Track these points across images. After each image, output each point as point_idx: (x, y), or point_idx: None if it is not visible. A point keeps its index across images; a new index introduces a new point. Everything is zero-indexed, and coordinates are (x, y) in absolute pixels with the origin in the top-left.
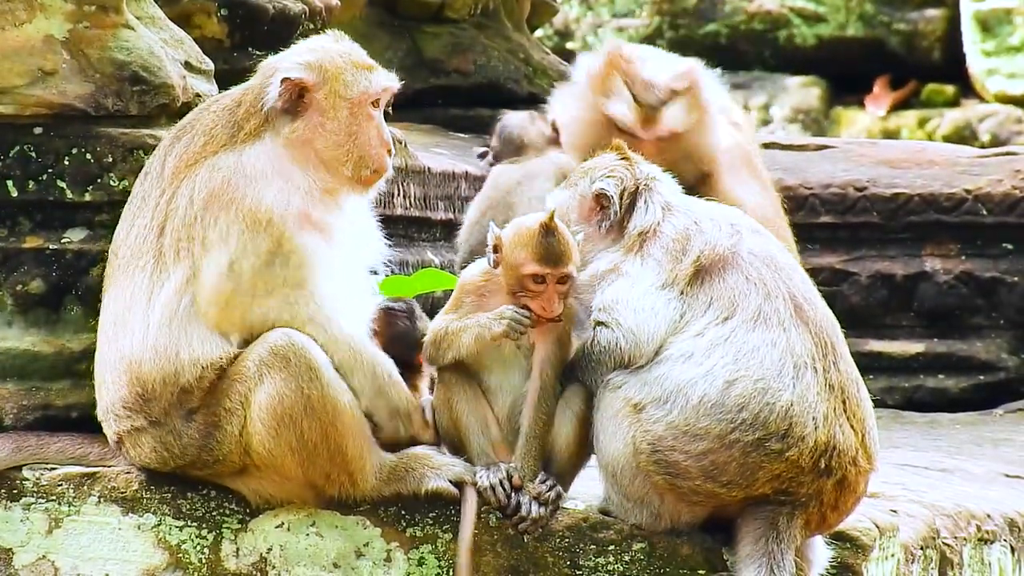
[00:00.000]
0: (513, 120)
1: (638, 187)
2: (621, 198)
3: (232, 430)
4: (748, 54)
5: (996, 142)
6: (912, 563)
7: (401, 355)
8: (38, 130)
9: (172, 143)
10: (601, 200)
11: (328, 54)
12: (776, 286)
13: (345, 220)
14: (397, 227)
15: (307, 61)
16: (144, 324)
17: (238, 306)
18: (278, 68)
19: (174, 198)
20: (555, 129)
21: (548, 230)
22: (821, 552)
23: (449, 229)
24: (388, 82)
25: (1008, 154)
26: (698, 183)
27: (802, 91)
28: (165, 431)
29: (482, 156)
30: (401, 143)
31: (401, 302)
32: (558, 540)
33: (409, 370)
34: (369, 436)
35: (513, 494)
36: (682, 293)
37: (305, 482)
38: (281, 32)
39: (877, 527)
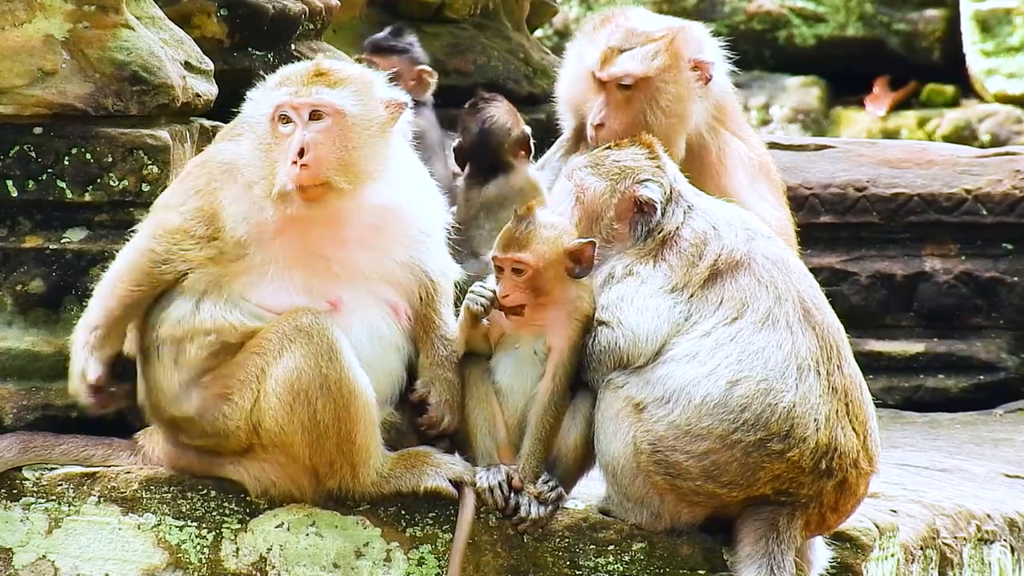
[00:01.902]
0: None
1: (671, 191)
2: (664, 207)
3: (244, 404)
4: (748, 54)
5: (996, 142)
6: (912, 563)
7: None
8: (38, 130)
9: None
10: (644, 206)
11: (274, 76)
12: (787, 289)
13: (331, 240)
14: None
15: (262, 85)
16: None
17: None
18: None
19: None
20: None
21: (520, 217)
22: (821, 552)
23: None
24: (279, 99)
25: (1008, 154)
26: (705, 183)
27: (802, 91)
28: (155, 369)
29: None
30: None
31: None
32: (558, 540)
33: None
34: (377, 429)
35: (512, 495)
36: (692, 296)
37: (309, 468)
38: (281, 32)
39: (877, 527)
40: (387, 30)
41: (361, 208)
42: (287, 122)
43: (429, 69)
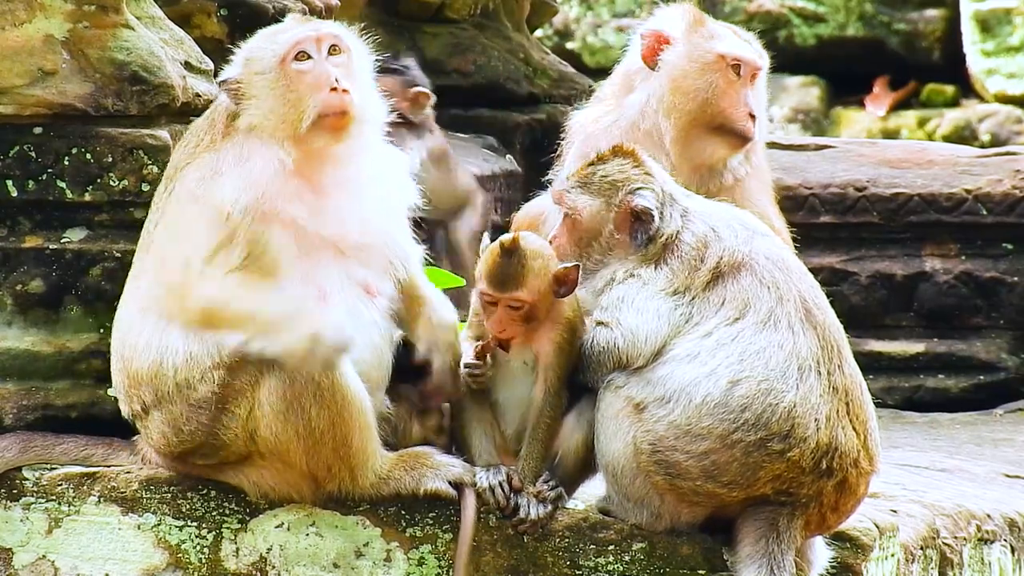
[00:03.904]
0: None
1: (663, 195)
2: (660, 211)
3: (240, 413)
4: None
5: (996, 142)
6: (912, 563)
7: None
8: (38, 130)
9: (176, 147)
10: (641, 215)
11: (255, 39)
12: (788, 289)
13: (331, 196)
14: None
15: (239, 57)
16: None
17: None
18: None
19: (172, 195)
20: None
21: (506, 251)
22: (821, 552)
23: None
24: (299, 34)
25: (1008, 154)
26: (719, 191)
27: (802, 91)
28: (172, 415)
29: None
30: None
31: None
32: (558, 540)
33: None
34: (375, 431)
35: (512, 496)
36: (694, 298)
37: (307, 473)
38: None
39: (877, 527)
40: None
41: (361, 154)
42: (305, 59)
43: (426, 91)
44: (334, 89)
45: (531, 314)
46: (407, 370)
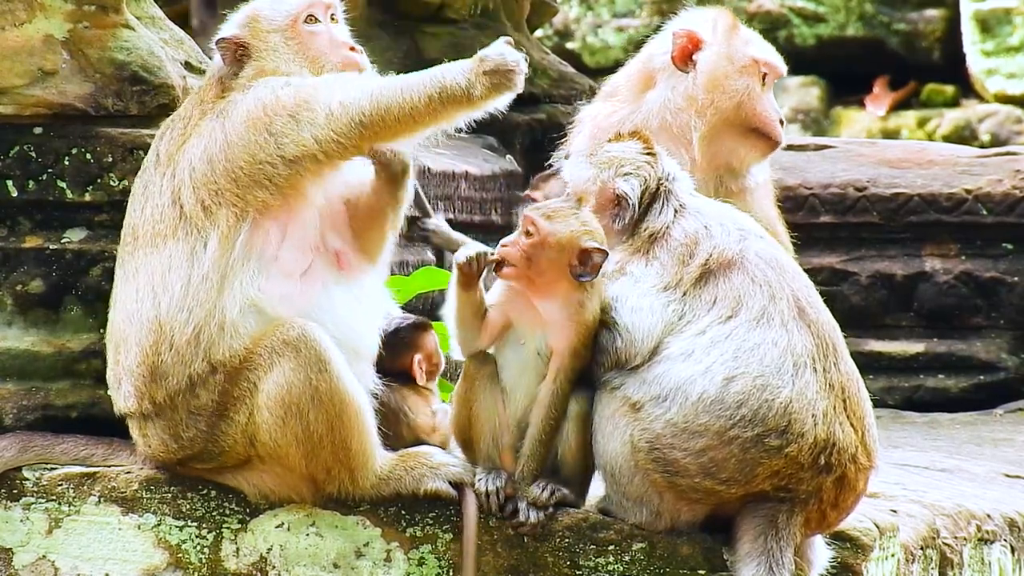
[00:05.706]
0: None
1: (658, 188)
2: (640, 201)
3: (239, 419)
4: None
5: (996, 142)
6: (912, 563)
7: (396, 362)
8: (38, 130)
9: (159, 137)
10: (620, 200)
11: (258, 1)
12: (781, 288)
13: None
14: None
15: (240, 17)
16: (186, 279)
17: None
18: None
19: (175, 174)
20: None
21: (568, 198)
22: (821, 552)
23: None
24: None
25: (1008, 154)
26: (739, 192)
27: (802, 91)
28: (173, 421)
29: None
30: None
31: (410, 315)
32: (558, 540)
33: (409, 379)
34: (374, 433)
35: (509, 501)
36: (685, 294)
37: (307, 476)
38: None
39: (877, 527)
40: None
41: None
42: (314, 22)
43: None
44: (352, 48)
45: (536, 256)
46: (397, 368)
